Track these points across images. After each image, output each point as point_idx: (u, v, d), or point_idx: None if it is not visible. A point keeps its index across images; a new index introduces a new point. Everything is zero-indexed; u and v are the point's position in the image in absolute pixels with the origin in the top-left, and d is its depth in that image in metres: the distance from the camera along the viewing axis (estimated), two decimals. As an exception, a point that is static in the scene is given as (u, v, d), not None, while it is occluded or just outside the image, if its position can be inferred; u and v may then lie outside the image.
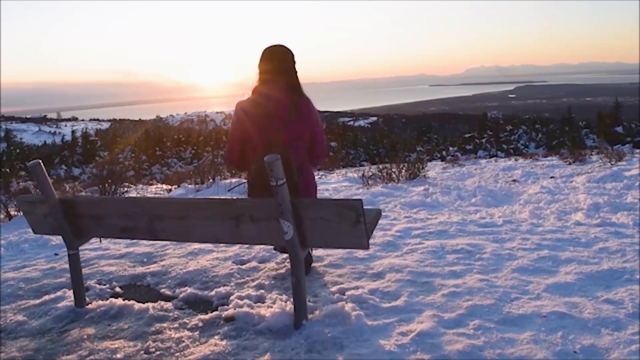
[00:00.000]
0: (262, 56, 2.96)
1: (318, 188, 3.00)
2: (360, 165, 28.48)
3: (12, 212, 7.50)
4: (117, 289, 3.41)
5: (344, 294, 2.91)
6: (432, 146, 42.54)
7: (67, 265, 3.92)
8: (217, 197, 2.58)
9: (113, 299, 3.13)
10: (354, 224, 2.36)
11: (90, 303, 3.13)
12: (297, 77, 2.98)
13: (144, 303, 3.06)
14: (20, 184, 14.69)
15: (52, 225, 3.02)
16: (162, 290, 3.29)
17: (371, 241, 3.90)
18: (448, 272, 3.17)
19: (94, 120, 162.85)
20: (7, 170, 17.05)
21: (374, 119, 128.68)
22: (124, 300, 3.13)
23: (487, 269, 3.20)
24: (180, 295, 3.16)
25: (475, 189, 7.70)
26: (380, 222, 4.58)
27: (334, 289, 3.02)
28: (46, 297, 3.29)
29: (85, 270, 3.81)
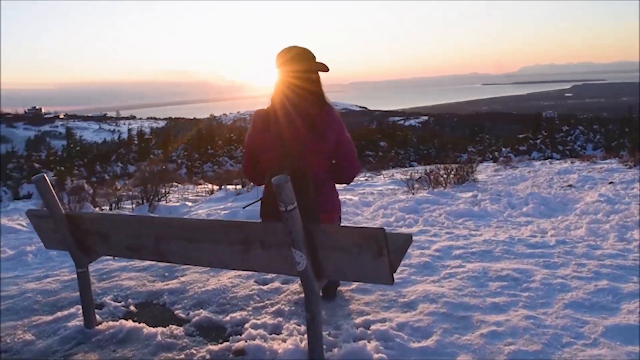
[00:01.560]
0: (277, 60, 2.64)
1: (363, 191, 2.70)
2: (410, 166, 27.90)
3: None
4: (132, 307, 3.22)
5: (368, 328, 2.59)
6: (484, 147, 41.17)
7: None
8: (226, 220, 2.33)
9: (123, 321, 2.94)
10: (375, 256, 2.04)
11: (101, 323, 2.95)
12: (317, 82, 2.65)
13: (154, 327, 2.85)
14: (74, 181, 15.10)
15: (60, 241, 2.86)
16: (177, 312, 3.08)
17: (406, 261, 3.57)
18: (490, 304, 2.79)
19: (151, 118, 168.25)
20: (62, 168, 17.61)
21: (425, 118, 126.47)
22: (135, 322, 2.94)
23: (535, 302, 2.80)
24: (194, 319, 2.93)
25: (527, 196, 7.16)
26: (419, 238, 4.23)
27: (358, 320, 2.71)
28: (59, 314, 3.14)
29: (104, 284, 3.67)
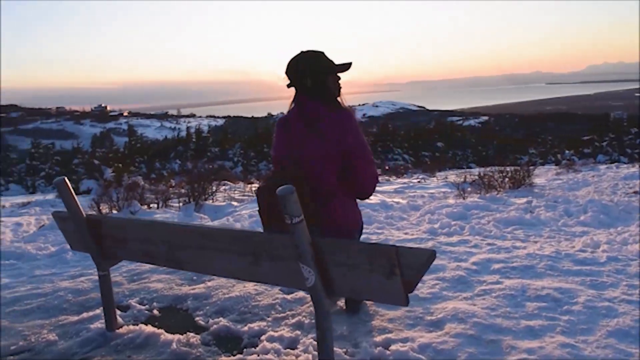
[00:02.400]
0: (288, 68, 2.55)
1: (414, 194, 2.52)
2: (468, 167, 27.15)
3: (105, 210, 7.77)
4: (155, 312, 3.20)
5: (388, 348, 2.43)
6: (546, 148, 39.52)
7: (120, 278, 3.84)
8: (235, 230, 2.24)
9: (143, 326, 2.92)
10: (387, 276, 1.89)
11: (121, 327, 2.93)
12: (328, 87, 2.52)
13: (172, 334, 2.81)
14: (131, 178, 15.60)
15: (82, 243, 2.86)
16: (197, 319, 3.02)
17: (440, 275, 3.37)
18: (524, 328, 2.55)
19: (210, 117, 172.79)
20: (120, 165, 18.23)
21: (485, 118, 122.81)
22: (155, 327, 2.91)
23: (575, 327, 2.54)
24: (212, 328, 2.87)
25: (586, 204, 6.69)
26: (457, 249, 4.00)
27: (378, 338, 2.55)
28: (84, 315, 3.16)
29: (132, 286, 3.67)
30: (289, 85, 2.57)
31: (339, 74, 2.57)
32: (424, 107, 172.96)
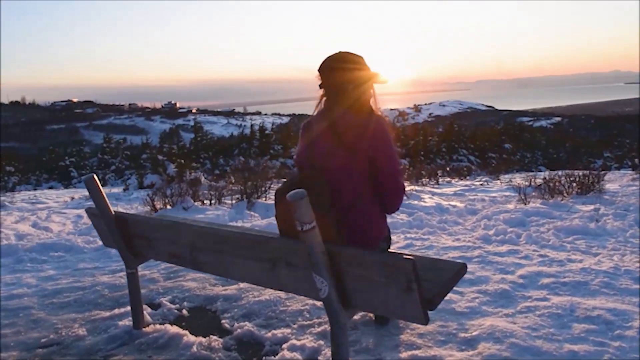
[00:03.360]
0: (322, 67, 2.37)
1: (474, 197, 2.33)
2: (538, 170, 25.98)
3: (159, 206, 7.93)
4: (184, 311, 3.18)
5: (412, 366, 2.25)
6: (622, 152, 37.12)
7: (157, 275, 3.86)
8: (253, 234, 2.14)
9: (169, 326, 2.89)
10: (404, 291, 1.72)
11: (148, 326, 2.92)
12: (365, 91, 2.36)
13: (196, 335, 2.77)
14: (192, 174, 16.01)
15: (112, 240, 2.86)
16: (224, 322, 2.96)
17: (482, 287, 3.14)
18: (566, 352, 2.30)
19: (275, 114, 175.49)
20: (182, 161, 18.75)
21: (558, 119, 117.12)
22: (181, 327, 2.89)
23: (625, 356, 2.26)
24: (236, 332, 2.80)
25: (662, 213, 6.13)
26: (505, 260, 3.73)
27: (404, 355, 2.37)
28: (116, 311, 3.19)
29: (167, 284, 3.68)
30: (321, 86, 2.42)
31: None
32: (492, 107, 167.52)
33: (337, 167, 2.23)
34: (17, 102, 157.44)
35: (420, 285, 1.69)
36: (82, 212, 8.69)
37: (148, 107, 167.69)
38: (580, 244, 4.68)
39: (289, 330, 2.74)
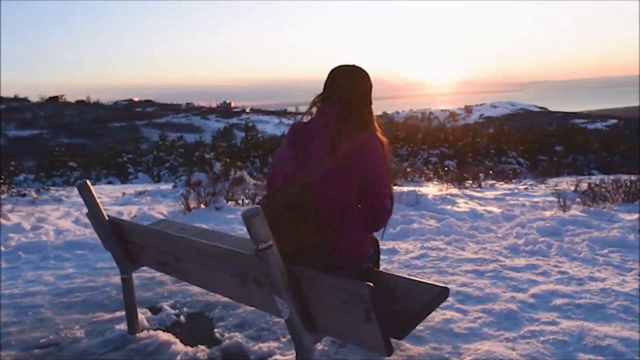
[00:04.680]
0: (333, 74, 2.32)
1: (514, 202, 2.18)
2: (590, 174, 24.77)
3: (192, 205, 8.04)
4: (182, 317, 3.18)
5: (391, 392, 2.13)
6: (685, 157, 34.77)
7: (166, 277, 3.88)
8: (225, 247, 2.07)
9: (161, 333, 2.89)
10: (364, 320, 1.61)
11: (143, 331, 2.93)
12: (361, 108, 2.27)
13: (185, 344, 2.76)
14: (237, 172, 16.21)
15: (108, 245, 2.88)
16: (216, 330, 2.93)
17: (487, 306, 2.96)
18: (562, 388, 2.11)
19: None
20: (228, 160, 19.02)
21: (614, 121, 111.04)
22: (174, 335, 2.88)
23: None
24: (224, 343, 2.76)
25: None
26: (520, 275, 3.52)
27: (387, 378, 2.25)
28: (117, 314, 3.22)
29: (173, 287, 3.69)
30: (326, 92, 2.32)
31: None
32: (545, 109, 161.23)
33: (328, 183, 2.13)
34: (82, 100, 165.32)
35: (382, 314, 1.58)
36: (124, 209, 8.96)
37: (204, 107, 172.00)
38: (615, 257, 4.37)
39: (276, 344, 2.67)
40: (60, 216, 8.10)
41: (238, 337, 2.78)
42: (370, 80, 2.33)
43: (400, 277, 2.19)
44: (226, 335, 2.84)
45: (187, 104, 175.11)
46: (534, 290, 3.20)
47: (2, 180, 16.74)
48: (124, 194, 12.03)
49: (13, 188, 14.51)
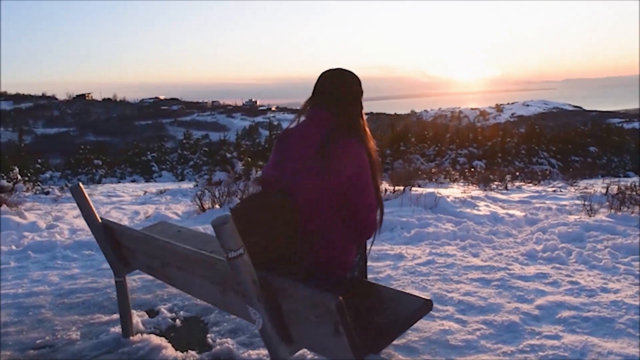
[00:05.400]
0: (317, 81, 2.26)
1: (540, 205, 2.07)
2: (625, 176, 24.08)
3: (207, 205, 8.05)
4: (177, 321, 3.15)
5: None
6: None
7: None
8: (206, 254, 2.02)
9: (154, 337, 2.87)
10: (333, 333, 1.54)
11: (136, 335, 2.91)
12: (351, 113, 2.19)
13: (176, 349, 2.74)
14: (258, 172, 16.25)
15: (102, 247, 2.87)
16: (209, 336, 2.89)
17: (489, 317, 2.86)
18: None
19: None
20: (249, 159, 19.08)
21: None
22: (166, 339, 2.86)
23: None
24: (215, 348, 2.72)
25: None
26: (527, 285, 3.38)
27: (373, 392, 2.17)
28: (114, 316, 3.21)
29: (173, 290, 3.66)
30: (317, 97, 2.25)
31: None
32: (580, 107, 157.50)
33: (308, 189, 2.05)
34: (109, 98, 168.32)
35: (362, 326, 1.51)
36: (141, 208, 9.04)
37: (230, 105, 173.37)
38: (637, 265, 4.19)
39: (265, 352, 2.61)
40: (77, 215, 8.19)
41: (229, 343, 2.73)
42: (360, 85, 2.25)
43: (385, 287, 2.11)
44: (218, 340, 2.79)
45: (213, 102, 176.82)
46: (540, 301, 3.06)
47: (26, 178, 17.12)
48: (145, 192, 12.14)
49: (38, 186, 14.84)
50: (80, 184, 2.69)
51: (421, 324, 2.79)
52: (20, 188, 13.61)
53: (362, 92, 2.26)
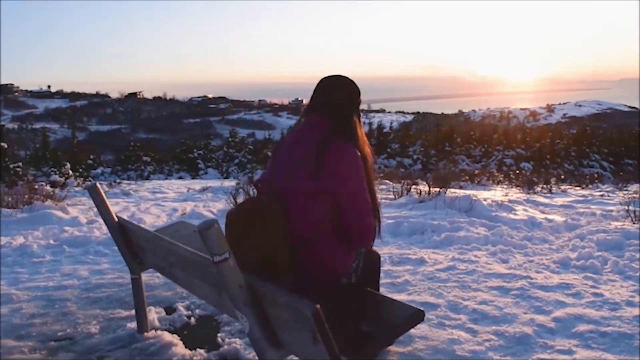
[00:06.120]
0: (315, 87, 2.29)
1: (584, 209, 2.00)
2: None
3: (240, 201, 8.16)
4: (192, 320, 3.22)
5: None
6: None
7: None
8: (203, 255, 2.05)
9: (167, 334, 2.94)
10: (312, 341, 1.54)
11: (150, 331, 3.00)
12: (347, 119, 2.19)
13: (185, 347, 2.80)
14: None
15: (117, 245, 2.96)
16: (219, 335, 2.94)
17: (501, 328, 2.79)
18: None
19: (399, 112, 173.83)
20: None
21: None
22: (178, 337, 2.93)
23: None
24: (223, 348, 2.76)
25: None
26: (547, 296, 3.27)
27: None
28: (133, 312, 3.28)
29: (193, 288, 3.74)
30: (311, 105, 2.27)
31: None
32: (636, 108, 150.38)
33: (300, 194, 2.07)
34: (159, 97, 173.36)
35: (349, 334, 1.50)
36: (180, 205, 9.25)
37: (276, 104, 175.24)
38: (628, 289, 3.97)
39: (272, 354, 2.63)
40: (117, 211, 8.47)
41: (237, 343, 2.77)
42: (358, 92, 2.27)
43: (378, 294, 2.09)
44: (227, 340, 2.84)
45: (260, 100, 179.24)
46: (558, 313, 2.95)
47: (77, 174, 17.86)
48: (188, 189, 12.42)
49: (88, 181, 15.46)
50: (97, 184, 2.78)
51: (430, 332, 2.74)
52: (71, 183, 14.25)
53: (359, 99, 2.28)
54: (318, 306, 1.48)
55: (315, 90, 2.27)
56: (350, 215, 2.06)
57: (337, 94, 2.21)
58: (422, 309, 1.87)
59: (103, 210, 2.81)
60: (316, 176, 2.02)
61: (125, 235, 2.84)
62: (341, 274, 2.13)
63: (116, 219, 2.85)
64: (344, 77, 2.26)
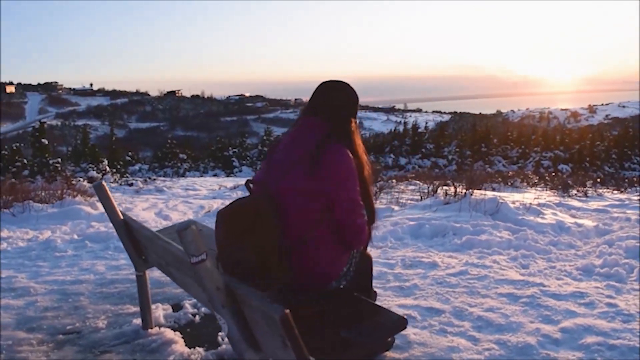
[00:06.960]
0: (314, 91, 2.32)
1: (618, 214, 1.95)
2: None
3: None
4: (197, 317, 3.26)
5: None
6: None
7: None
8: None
9: (169, 331, 2.99)
10: (282, 346, 1.53)
11: (154, 327, 3.04)
12: (344, 123, 2.21)
13: (185, 345, 2.83)
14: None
15: (123, 243, 3.02)
16: (220, 334, 2.95)
17: (504, 337, 2.71)
18: None
19: (436, 112, 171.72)
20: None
21: None
22: (180, 334, 2.97)
23: None
24: (220, 347, 2.80)
25: None
26: (559, 305, 3.16)
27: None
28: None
29: (202, 286, 3.78)
30: (314, 105, 2.28)
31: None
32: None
33: (291, 195, 2.07)
34: (197, 95, 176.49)
35: (329, 340, 1.49)
36: (207, 202, 9.40)
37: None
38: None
39: (268, 355, 2.63)
40: (146, 207, 8.65)
41: (236, 343, 2.78)
42: (356, 97, 2.29)
43: (364, 300, 2.06)
44: (226, 340, 2.85)
45: (296, 99, 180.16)
46: (566, 324, 2.85)
47: (115, 170, 18.34)
48: (220, 187, 12.59)
49: (126, 177, 15.86)
50: (103, 182, 2.84)
51: (430, 338, 2.69)
52: (108, 179, 14.65)
53: (357, 103, 2.30)
54: (287, 311, 1.47)
55: (314, 93, 2.30)
56: (343, 215, 2.06)
57: (336, 97, 2.24)
58: (405, 317, 1.84)
59: (108, 207, 2.86)
60: (312, 175, 2.02)
61: (130, 233, 2.90)
62: (332, 276, 2.11)
63: (121, 217, 2.91)
64: (341, 82, 2.30)
